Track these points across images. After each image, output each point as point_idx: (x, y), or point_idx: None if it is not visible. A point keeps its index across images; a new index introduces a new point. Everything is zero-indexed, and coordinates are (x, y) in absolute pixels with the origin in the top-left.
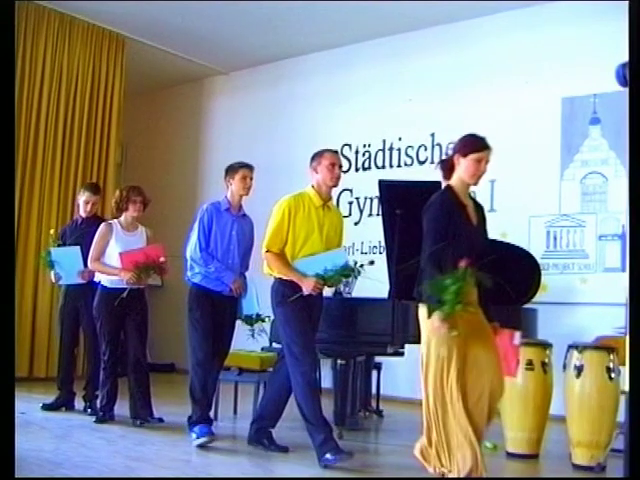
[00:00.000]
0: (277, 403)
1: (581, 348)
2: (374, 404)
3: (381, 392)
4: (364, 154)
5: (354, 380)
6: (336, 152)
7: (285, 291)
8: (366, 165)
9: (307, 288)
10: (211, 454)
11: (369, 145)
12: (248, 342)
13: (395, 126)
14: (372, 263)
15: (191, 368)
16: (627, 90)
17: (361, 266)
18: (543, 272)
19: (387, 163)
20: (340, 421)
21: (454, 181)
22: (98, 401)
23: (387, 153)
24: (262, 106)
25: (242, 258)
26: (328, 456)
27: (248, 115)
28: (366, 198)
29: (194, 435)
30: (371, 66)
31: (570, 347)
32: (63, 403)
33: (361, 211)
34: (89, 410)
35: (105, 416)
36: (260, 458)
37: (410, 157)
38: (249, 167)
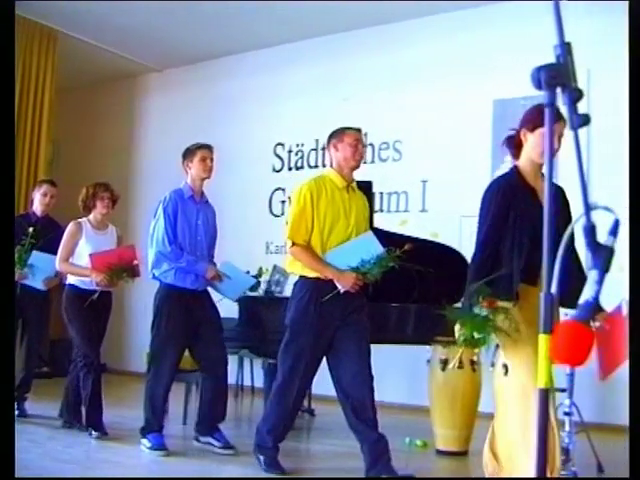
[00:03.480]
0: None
1: None
2: (306, 403)
3: (313, 391)
4: (297, 153)
5: None
6: (359, 130)
7: (304, 295)
8: (299, 164)
9: (345, 285)
10: (142, 455)
11: (302, 145)
12: None
13: (329, 126)
14: (405, 251)
15: (152, 375)
16: (546, 93)
17: (398, 254)
18: None
19: (320, 163)
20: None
21: (522, 161)
22: (83, 408)
23: (320, 153)
24: (196, 104)
25: (209, 249)
26: None
27: (182, 113)
28: None
29: (147, 443)
30: (306, 65)
31: (498, 345)
32: None
33: None
34: (17, 411)
35: (97, 427)
36: (188, 458)
37: None
38: (208, 147)
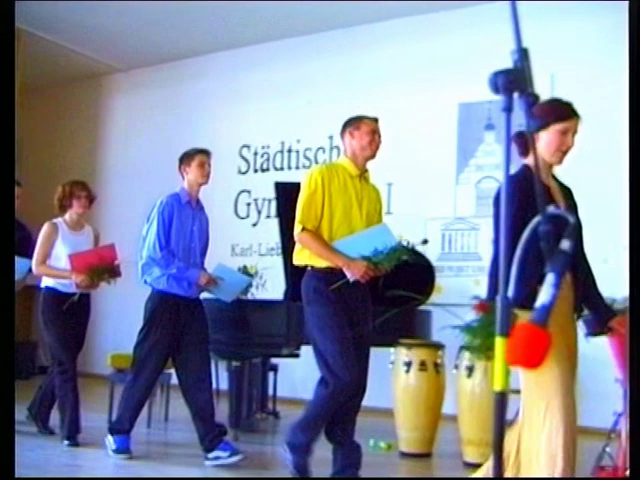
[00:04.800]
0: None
1: (472, 349)
2: (271, 406)
3: (278, 393)
4: (263, 155)
5: (250, 382)
6: (377, 120)
7: (318, 285)
8: (265, 167)
9: (356, 273)
10: (104, 459)
11: (268, 147)
12: None
13: (294, 128)
14: (425, 242)
15: (133, 379)
16: (503, 98)
17: (425, 242)
18: (438, 274)
19: (285, 165)
20: (235, 423)
21: (533, 159)
22: (66, 418)
23: (286, 155)
24: (162, 105)
25: (202, 256)
26: None
27: (147, 114)
28: (264, 200)
29: (113, 445)
30: (271, 67)
31: (462, 348)
32: None
33: (259, 213)
34: None
35: (73, 437)
36: (153, 461)
37: (308, 159)
38: (206, 152)
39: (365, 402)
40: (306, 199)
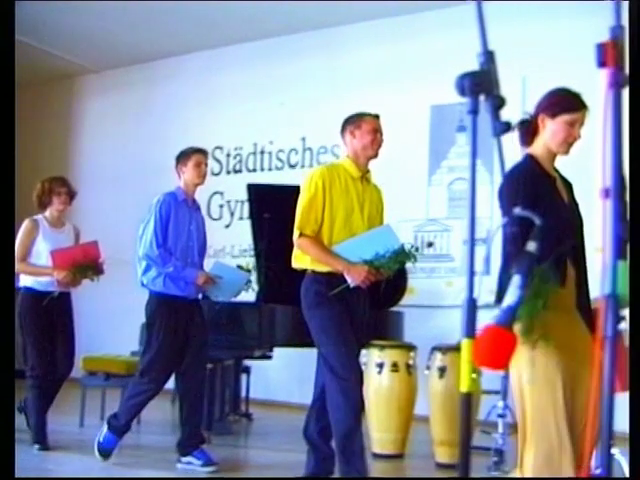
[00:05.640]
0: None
1: (444, 350)
2: (244, 408)
3: (251, 395)
4: (235, 157)
5: (223, 384)
6: (378, 117)
7: (320, 289)
8: (237, 168)
9: (356, 278)
10: (73, 462)
11: (241, 148)
12: (114, 345)
13: (267, 130)
14: (430, 245)
15: (138, 382)
16: (469, 100)
17: (416, 250)
18: (411, 276)
19: (258, 166)
20: (208, 426)
21: (537, 148)
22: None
23: (258, 156)
24: (134, 107)
25: (200, 256)
26: None
27: (120, 115)
28: (237, 201)
29: (100, 438)
30: (244, 69)
31: (434, 349)
32: None
33: (232, 214)
34: None
35: (42, 442)
36: (125, 464)
37: (281, 161)
38: (203, 152)
39: None
40: (306, 203)
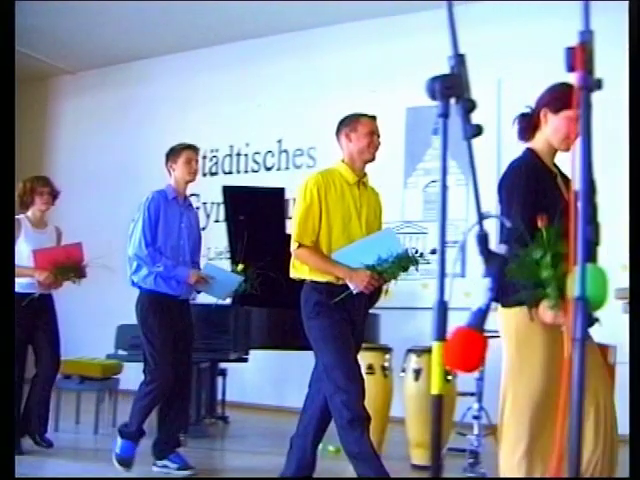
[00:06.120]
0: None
1: (419, 352)
2: (220, 410)
3: (227, 398)
4: (211, 159)
5: (199, 387)
6: (374, 118)
7: (320, 299)
8: (213, 170)
9: (359, 284)
10: (41, 466)
11: (217, 150)
12: (90, 348)
13: (243, 132)
14: (434, 252)
15: (152, 389)
16: (440, 104)
17: (420, 255)
18: None
19: (234, 169)
20: (184, 429)
21: (537, 143)
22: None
23: (234, 159)
24: (110, 108)
25: (192, 255)
26: None
27: (96, 116)
28: (213, 204)
29: (117, 449)
30: (220, 71)
31: (409, 351)
32: None
33: (208, 216)
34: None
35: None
36: (100, 467)
37: (257, 163)
38: (193, 148)
39: None
40: (302, 213)
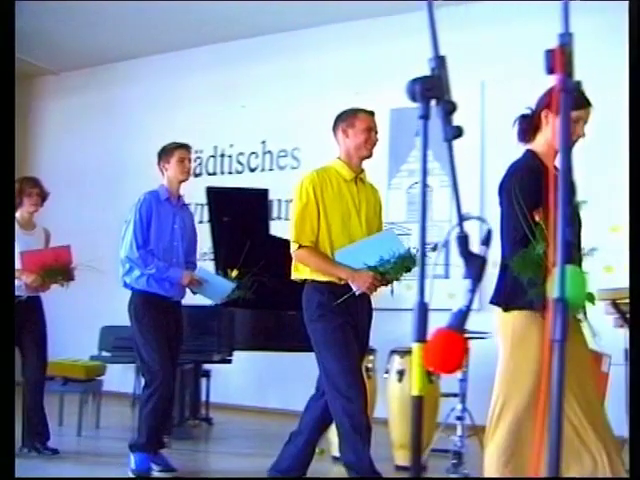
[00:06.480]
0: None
1: (403, 353)
2: (203, 412)
3: (211, 400)
4: (195, 160)
5: (182, 388)
6: (372, 113)
7: (322, 300)
8: (197, 171)
9: (362, 285)
10: (29, 467)
11: (201, 151)
12: (74, 350)
13: (227, 133)
14: (434, 249)
15: (154, 389)
16: (420, 105)
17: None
18: None
19: (218, 170)
20: (168, 431)
21: (538, 145)
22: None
23: (218, 160)
24: (94, 109)
25: (186, 256)
26: None
27: (79, 117)
28: (197, 205)
29: (132, 464)
30: (205, 72)
31: (392, 352)
32: None
33: None
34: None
35: None
36: (83, 469)
37: (241, 164)
38: (186, 147)
39: (296, 407)
40: (299, 213)
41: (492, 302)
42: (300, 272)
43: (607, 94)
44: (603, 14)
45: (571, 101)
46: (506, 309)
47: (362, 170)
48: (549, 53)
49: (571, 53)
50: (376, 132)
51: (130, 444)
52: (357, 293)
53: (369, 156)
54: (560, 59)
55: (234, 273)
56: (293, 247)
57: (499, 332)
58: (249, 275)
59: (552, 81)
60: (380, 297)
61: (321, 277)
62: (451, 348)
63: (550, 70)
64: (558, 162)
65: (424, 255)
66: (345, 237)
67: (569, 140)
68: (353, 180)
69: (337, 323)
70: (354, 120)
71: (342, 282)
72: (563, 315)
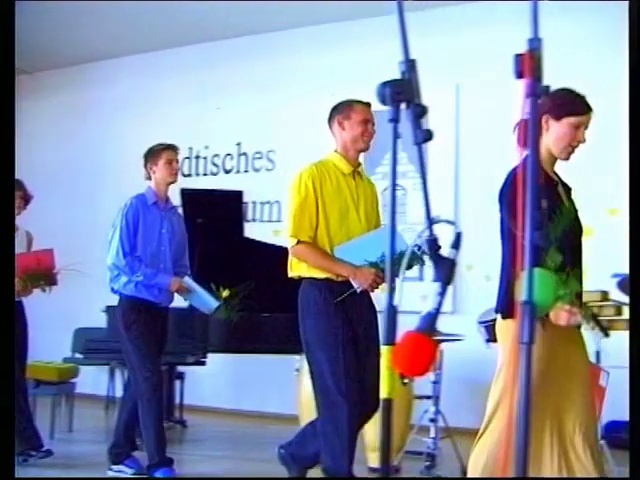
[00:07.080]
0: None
1: None
2: (178, 414)
3: (185, 402)
4: None
5: None
6: (369, 104)
7: (319, 297)
8: None
9: (363, 282)
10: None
11: None
12: (47, 352)
13: (202, 134)
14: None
15: (150, 396)
16: (390, 109)
17: (423, 253)
18: None
19: (193, 171)
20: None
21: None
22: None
23: (193, 161)
24: (68, 109)
25: (175, 260)
26: None
27: (53, 118)
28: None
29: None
30: (180, 72)
31: None
32: None
33: None
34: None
35: None
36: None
37: (216, 166)
38: (173, 148)
39: (271, 409)
40: (297, 207)
41: (496, 311)
42: (296, 270)
43: (607, 97)
44: (603, 17)
45: (570, 106)
46: (505, 316)
47: (359, 164)
48: (518, 57)
49: (540, 58)
50: (373, 124)
51: (148, 466)
52: (358, 290)
53: (366, 149)
54: (529, 64)
55: (225, 293)
56: (291, 242)
57: (498, 339)
58: (239, 297)
59: (521, 86)
60: None
61: (319, 274)
62: (419, 351)
63: (519, 74)
64: (557, 167)
65: (392, 258)
66: (343, 233)
67: (538, 144)
68: (351, 174)
69: (333, 324)
70: (350, 112)
71: (340, 279)
72: (530, 317)
